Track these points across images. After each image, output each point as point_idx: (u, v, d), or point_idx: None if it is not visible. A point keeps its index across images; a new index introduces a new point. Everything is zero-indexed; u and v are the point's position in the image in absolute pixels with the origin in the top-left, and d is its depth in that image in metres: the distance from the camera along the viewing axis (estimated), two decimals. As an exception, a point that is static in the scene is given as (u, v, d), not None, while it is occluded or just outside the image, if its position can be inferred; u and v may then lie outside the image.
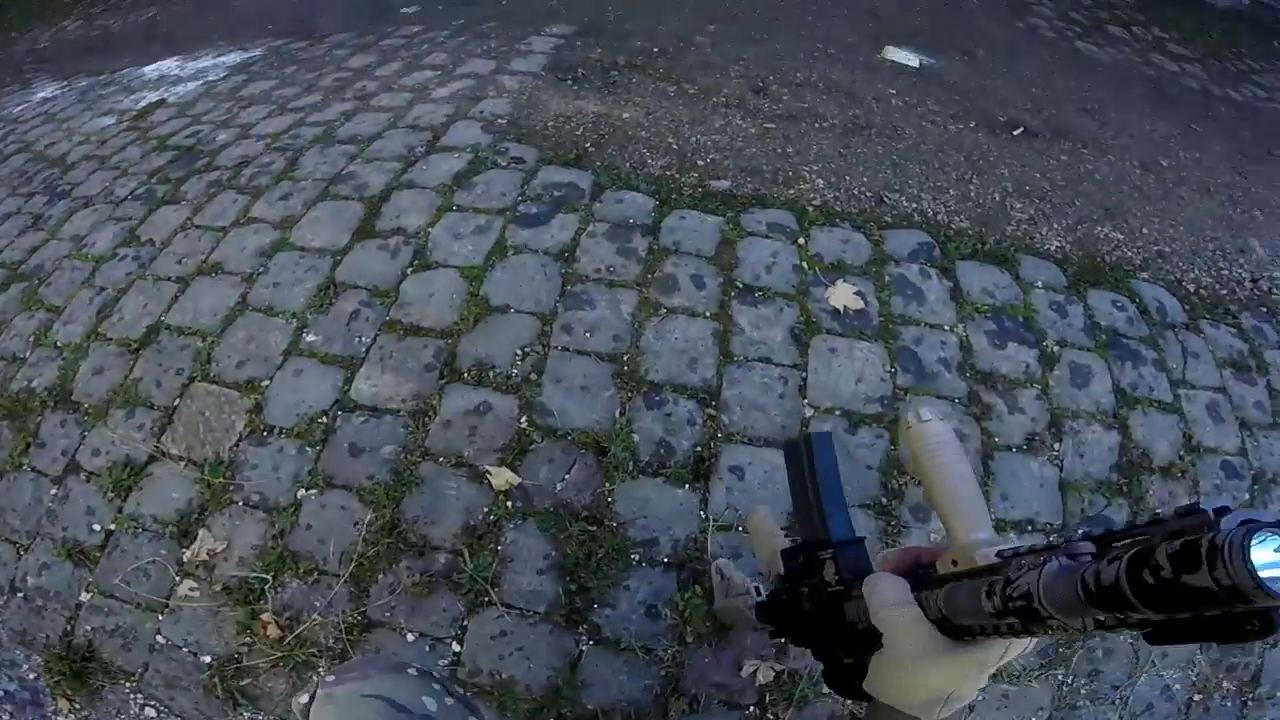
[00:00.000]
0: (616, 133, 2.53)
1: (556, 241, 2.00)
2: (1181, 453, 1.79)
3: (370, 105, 2.81)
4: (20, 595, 1.59)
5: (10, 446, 1.80)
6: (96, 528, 1.61)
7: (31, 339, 2.06)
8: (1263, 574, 0.23)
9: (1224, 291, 2.38)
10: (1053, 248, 2.30)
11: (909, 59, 3.42)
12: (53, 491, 1.70)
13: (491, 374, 1.69)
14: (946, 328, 1.88)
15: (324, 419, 1.65)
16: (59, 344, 2.01)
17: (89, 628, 1.51)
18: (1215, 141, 3.69)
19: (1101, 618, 0.30)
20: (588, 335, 1.76)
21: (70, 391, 1.86)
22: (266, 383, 1.74)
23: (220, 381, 1.77)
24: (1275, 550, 0.23)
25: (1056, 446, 1.71)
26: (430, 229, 2.05)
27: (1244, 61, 5.58)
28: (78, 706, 1.47)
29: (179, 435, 1.69)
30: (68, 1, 7.86)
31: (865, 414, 1.68)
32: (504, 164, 2.31)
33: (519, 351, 1.72)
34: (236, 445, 1.64)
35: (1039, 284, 2.09)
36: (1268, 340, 2.22)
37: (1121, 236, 2.46)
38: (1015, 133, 2.99)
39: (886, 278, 1.98)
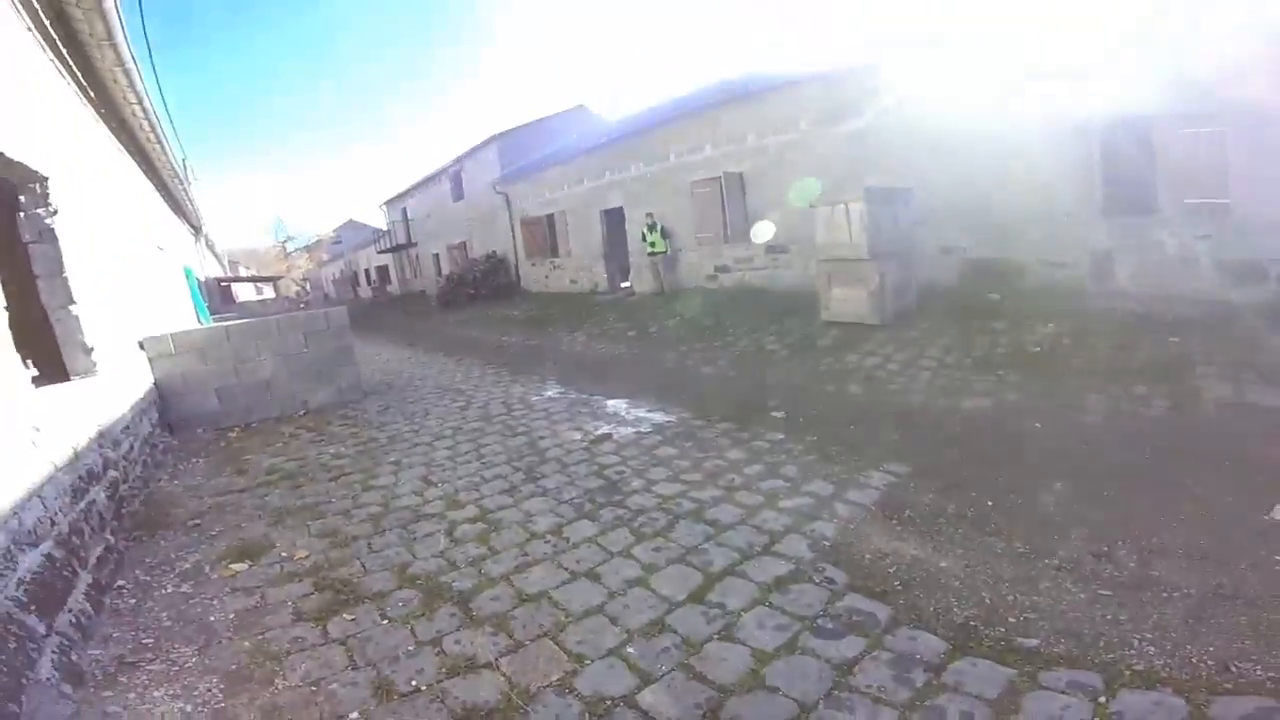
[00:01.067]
0: (928, 577, 2.74)
1: (841, 656, 2.29)
2: None
3: (732, 498, 3.70)
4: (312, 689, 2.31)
5: (413, 609, 2.77)
6: (413, 683, 2.30)
7: (471, 560, 3.21)
8: None
9: None
10: None
11: None
12: (409, 647, 2.51)
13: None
14: None
15: (608, 703, 2.13)
16: (482, 571, 3.08)
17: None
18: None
19: None
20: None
21: (469, 601, 2.81)
22: (589, 661, 2.34)
23: (560, 645, 2.45)
24: None
25: None
26: (744, 613, 2.58)
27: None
28: None
29: (515, 661, 2.37)
30: (588, 319, 12.19)
31: None
32: (817, 581, 2.78)
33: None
34: (544, 687, 2.21)
35: None
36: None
37: None
38: None
39: None
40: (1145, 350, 5.33)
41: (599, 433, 5.21)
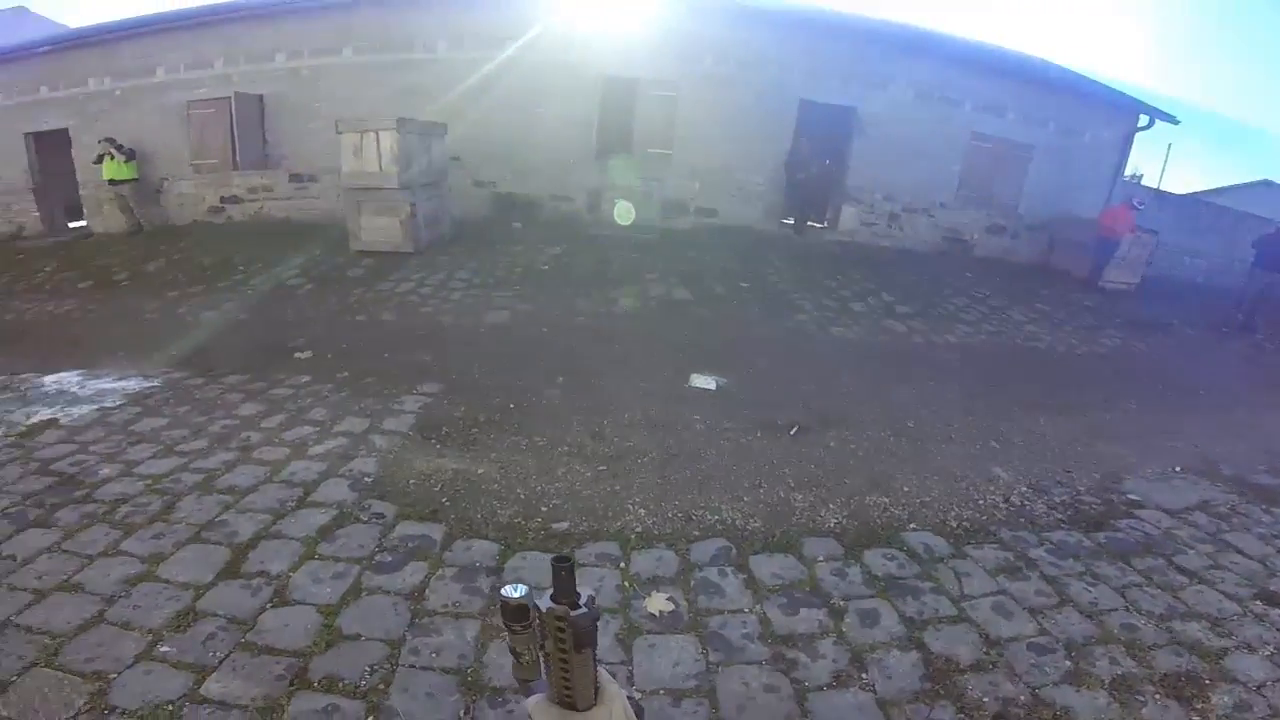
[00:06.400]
0: (471, 487, 2.96)
1: (408, 584, 2.33)
2: (984, 649, 2.16)
3: (251, 457, 3.20)
4: None
5: None
6: None
7: None
8: (503, 591, 0.53)
9: (983, 518, 2.97)
10: (831, 524, 2.83)
11: (708, 383, 4.21)
12: None
13: (340, 684, 1.90)
14: (746, 610, 2.29)
15: (168, 707, 1.80)
16: None
17: None
18: (947, 390, 4.65)
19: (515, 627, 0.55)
20: (434, 655, 2.01)
21: None
22: (114, 675, 1.90)
23: (67, 669, 1.91)
24: (514, 589, 0.53)
25: (864, 676, 2.03)
26: (292, 573, 2.35)
27: (949, 302, 7.16)
28: None
29: (14, 703, 1.82)
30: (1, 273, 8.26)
31: (685, 689, 1.96)
32: (365, 519, 2.70)
33: (368, 668, 1.96)
34: (73, 716, 1.76)
35: (820, 558, 2.59)
36: (1029, 543, 2.80)
37: (888, 500, 3.07)
38: (792, 432, 3.74)
39: (692, 582, 2.41)
40: (616, 265, 6.85)
41: (35, 420, 3.71)
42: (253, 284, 6.90)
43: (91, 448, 3.35)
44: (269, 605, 2.20)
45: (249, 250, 7.96)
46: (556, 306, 5.77)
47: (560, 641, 0.53)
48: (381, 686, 1.90)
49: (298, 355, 4.75)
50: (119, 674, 1.92)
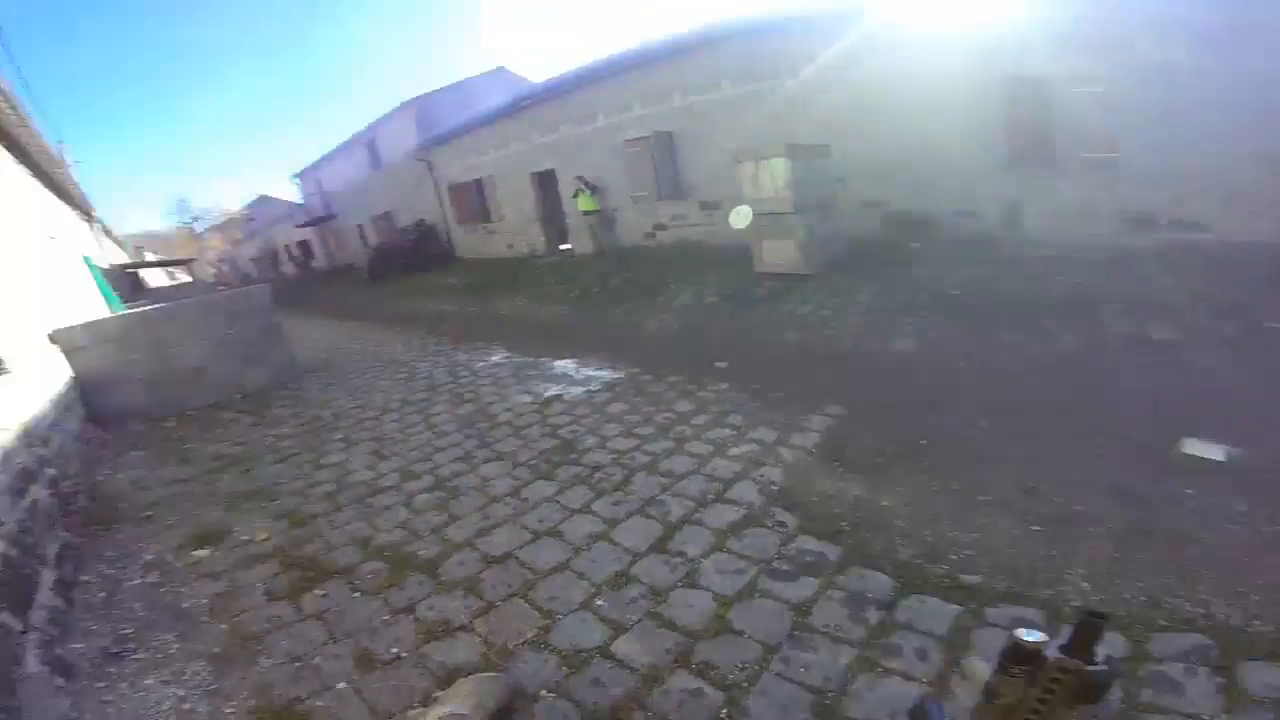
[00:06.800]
0: (874, 517, 2.90)
1: (798, 596, 2.43)
2: None
3: (684, 449, 3.84)
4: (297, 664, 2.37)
5: (382, 581, 2.84)
6: (393, 650, 2.36)
7: (431, 529, 3.27)
8: (1018, 632, 0.56)
9: None
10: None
11: (1213, 452, 3.10)
12: (385, 617, 2.58)
13: (712, 672, 2.09)
14: (1205, 716, 1.73)
15: (584, 654, 2.21)
16: (446, 538, 3.15)
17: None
18: None
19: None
20: (802, 670, 2.07)
21: (436, 567, 2.90)
22: (560, 616, 2.42)
23: (532, 603, 2.53)
24: (1030, 633, 0.56)
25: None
26: (703, 560, 2.72)
27: None
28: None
29: (491, 623, 2.45)
30: (526, 283, 11.92)
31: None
32: (769, 525, 2.93)
33: (739, 664, 2.12)
34: (520, 644, 2.30)
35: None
36: None
37: None
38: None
39: (1141, 672, 1.90)
40: (1054, 291, 5.67)
41: (548, 395, 5.27)
42: (679, 300, 8.22)
43: (581, 420, 4.54)
44: (679, 584, 2.56)
45: (674, 271, 9.54)
46: (975, 337, 5.17)
47: (1049, 691, 0.53)
48: (745, 685, 2.01)
49: (717, 364, 5.45)
50: (564, 616, 2.45)
